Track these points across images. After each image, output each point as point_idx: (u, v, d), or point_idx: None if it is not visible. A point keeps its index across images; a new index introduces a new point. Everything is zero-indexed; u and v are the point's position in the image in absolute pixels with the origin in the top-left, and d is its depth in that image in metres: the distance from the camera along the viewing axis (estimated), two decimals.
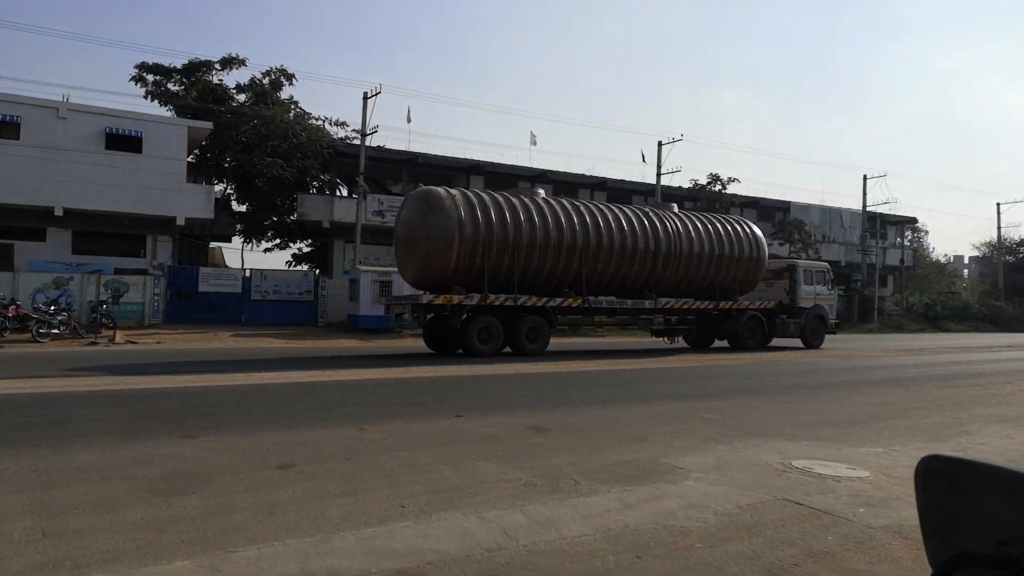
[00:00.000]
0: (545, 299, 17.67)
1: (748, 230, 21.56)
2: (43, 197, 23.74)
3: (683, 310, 20.20)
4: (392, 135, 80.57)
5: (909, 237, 56.78)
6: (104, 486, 5.29)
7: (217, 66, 30.96)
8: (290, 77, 32.35)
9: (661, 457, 6.49)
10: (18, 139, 23.52)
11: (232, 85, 31.56)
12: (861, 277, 44.21)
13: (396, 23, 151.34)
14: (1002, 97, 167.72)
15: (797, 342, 22.52)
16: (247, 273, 27.88)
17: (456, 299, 16.58)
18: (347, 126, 34.04)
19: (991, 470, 0.68)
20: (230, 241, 35.61)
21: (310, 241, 36.31)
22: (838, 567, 3.92)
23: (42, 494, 5.05)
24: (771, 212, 43.81)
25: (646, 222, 19.23)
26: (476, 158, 34.85)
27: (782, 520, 4.74)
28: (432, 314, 17.53)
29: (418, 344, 21.47)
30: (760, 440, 7.35)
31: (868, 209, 44.48)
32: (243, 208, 32.75)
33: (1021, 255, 54.86)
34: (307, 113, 33.19)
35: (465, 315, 16.94)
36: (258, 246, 35.59)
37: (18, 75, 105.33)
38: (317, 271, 33.37)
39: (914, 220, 52.49)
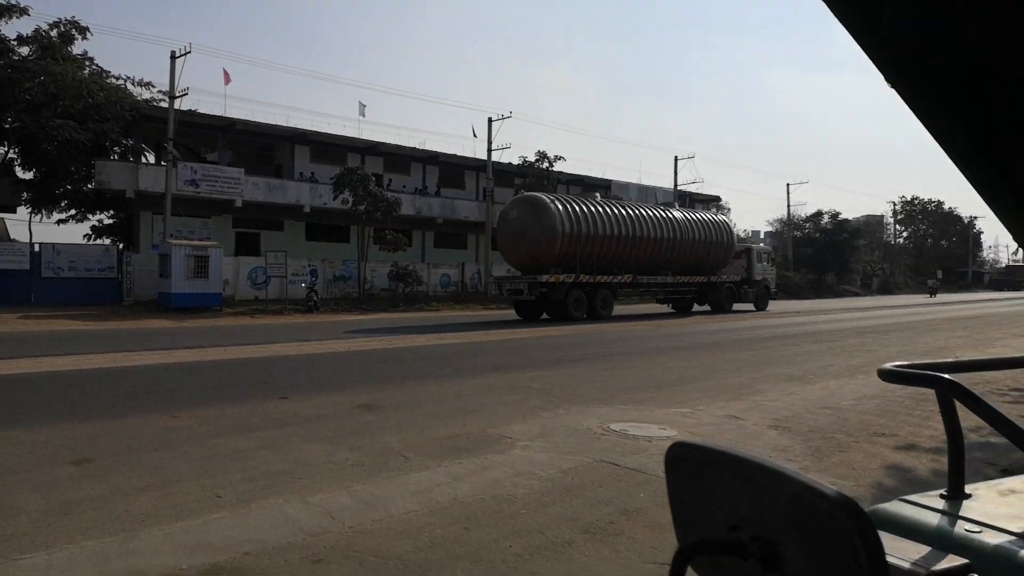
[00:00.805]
0: (610, 277, 23.82)
1: (723, 221, 28.96)
2: None
3: (688, 283, 26.75)
4: (207, 99, 74.49)
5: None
6: None
7: None
8: (84, 31, 28.79)
9: (490, 428, 6.65)
10: None
11: (12, 37, 27.61)
12: None
13: None
14: (790, 87, 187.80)
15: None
16: (36, 248, 24.76)
17: (561, 278, 22.15)
18: (153, 87, 31.03)
19: (723, 456, 0.74)
20: (15, 212, 31.28)
21: (112, 212, 32.83)
22: (648, 522, 4.24)
23: None
24: (594, 189, 45.82)
25: (664, 217, 25.82)
26: (301, 127, 33.23)
27: (600, 481, 5.05)
28: (532, 293, 22.29)
29: (242, 323, 20.28)
30: (582, 406, 7.76)
31: (679, 188, 48.10)
32: (30, 175, 28.89)
33: (807, 230, 61.93)
34: (105, 71, 29.83)
35: (565, 290, 22.38)
36: (49, 218, 31.58)
37: None
38: (121, 245, 30.33)
39: (718, 199, 57.43)
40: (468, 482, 4.98)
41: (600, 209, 23.64)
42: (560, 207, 22.25)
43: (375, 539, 3.94)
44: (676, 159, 48.09)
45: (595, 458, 5.62)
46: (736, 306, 29.09)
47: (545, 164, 36.45)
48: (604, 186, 44.88)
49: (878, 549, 0.60)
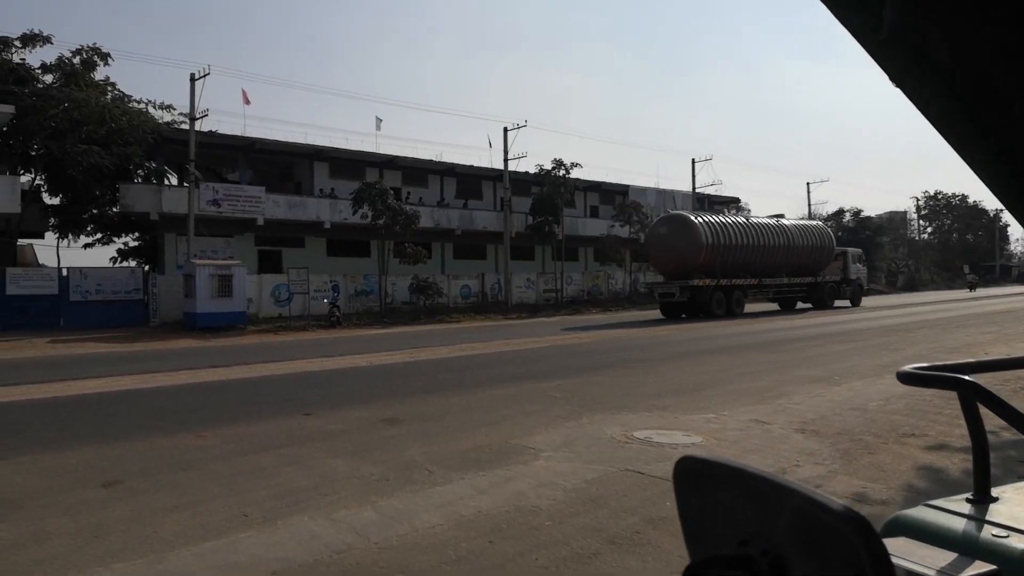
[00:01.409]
0: (742, 280, 28.08)
1: (824, 228, 34.21)
2: None
3: (799, 284, 31.09)
4: (226, 119, 75.61)
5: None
6: None
7: (17, 43, 27.52)
8: (105, 56, 29.36)
9: (513, 439, 6.63)
10: None
11: (36, 65, 28.27)
12: None
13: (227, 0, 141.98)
14: (808, 83, 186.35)
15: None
16: (64, 272, 25.24)
17: (707, 282, 26.64)
18: (174, 109, 31.52)
19: (729, 470, 0.73)
20: (42, 237, 31.97)
21: (137, 235, 33.42)
22: (675, 531, 4.16)
23: None
24: (612, 195, 45.90)
25: (779, 226, 30.51)
26: (319, 144, 33.58)
27: (625, 490, 5.01)
28: (683, 296, 26.68)
29: (266, 340, 20.47)
30: (605, 414, 7.71)
31: (697, 191, 47.81)
32: (56, 200, 29.50)
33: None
34: (127, 96, 30.40)
35: (709, 292, 26.70)
36: (76, 242, 32.23)
37: None
38: (146, 267, 30.82)
39: (737, 200, 57.02)
40: (492, 494, 4.97)
41: (732, 221, 29.12)
42: (702, 221, 27.24)
43: (401, 555, 3.95)
44: (693, 162, 47.89)
45: (620, 467, 5.59)
46: (837, 303, 32.90)
47: (562, 172, 36.44)
48: (622, 192, 44.80)
49: (886, 564, 0.59)
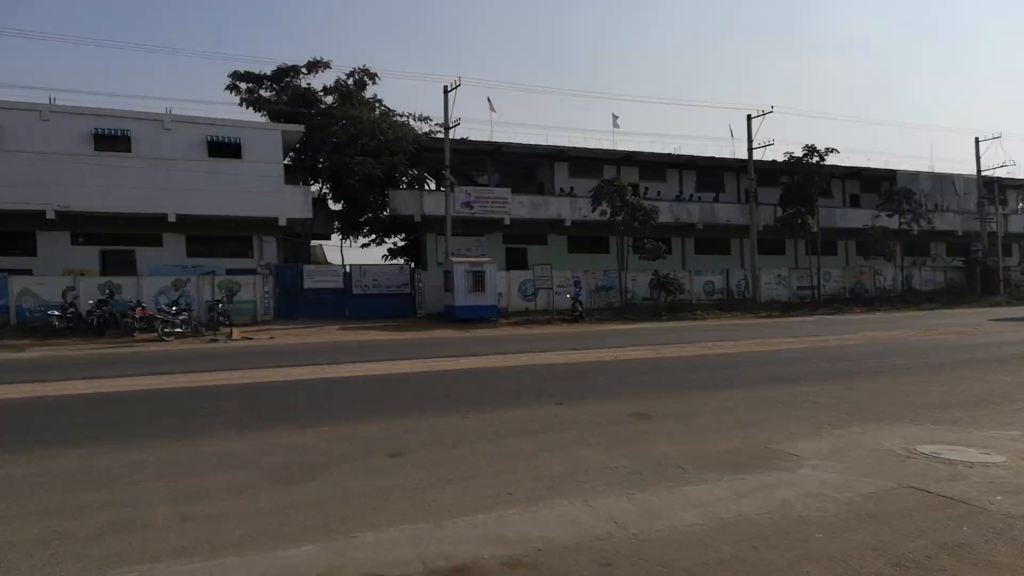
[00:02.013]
0: None
1: None
2: (157, 205, 25.34)
3: None
4: (475, 126, 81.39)
5: None
6: (232, 474, 5.64)
7: (304, 70, 32.11)
8: (373, 76, 33.09)
9: (773, 443, 6.28)
10: (130, 151, 25.25)
11: (319, 88, 32.73)
12: (982, 246, 41.10)
13: (467, 15, 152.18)
14: None
15: None
16: (347, 269, 28.92)
17: None
18: (430, 120, 34.60)
19: None
20: (329, 239, 37.08)
21: (403, 235, 37.24)
22: (976, 560, 3.67)
23: (177, 482, 5.42)
24: (875, 182, 41.34)
25: None
26: (559, 144, 34.61)
27: (910, 509, 4.49)
28: None
29: (516, 332, 21.67)
30: (879, 424, 6.98)
31: (984, 174, 41.22)
32: (339, 206, 33.94)
33: None
34: (391, 110, 33.96)
35: None
36: (355, 242, 36.90)
37: (123, 91, 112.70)
38: (412, 264, 34.14)
39: None
40: (753, 499, 4.75)
41: None
42: None
43: (660, 549, 3.93)
44: (977, 141, 41.41)
45: (902, 483, 5.02)
46: None
47: (815, 159, 33.60)
48: (888, 177, 40.20)
49: None
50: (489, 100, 33.89)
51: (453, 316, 25.11)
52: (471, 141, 32.59)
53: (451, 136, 29.17)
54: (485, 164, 35.40)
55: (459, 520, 4.44)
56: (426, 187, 34.87)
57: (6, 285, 22.02)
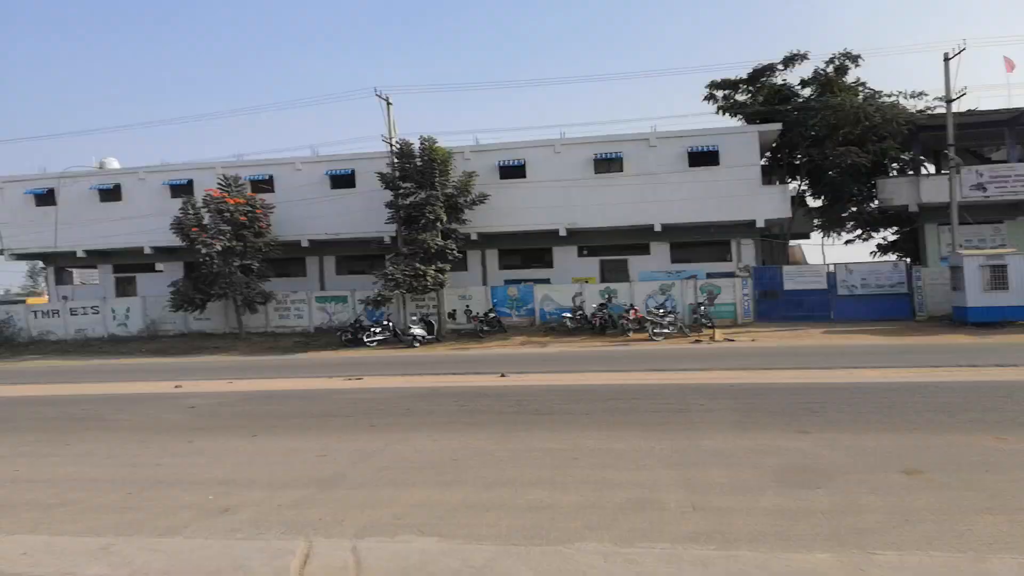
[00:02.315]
0: None
1: None
2: (644, 216, 27.96)
3: None
4: (985, 94, 67.44)
5: None
6: (733, 471, 5.86)
7: (780, 66, 31.23)
8: (855, 59, 30.34)
9: None
10: (621, 170, 28.40)
11: (796, 82, 31.45)
12: None
13: None
14: None
15: None
16: (830, 268, 27.24)
17: None
18: (925, 95, 30.07)
19: None
20: (808, 237, 35.39)
21: (895, 228, 33.27)
22: None
23: (684, 472, 5.88)
24: None
25: None
26: None
27: None
28: None
29: None
30: None
31: None
32: (818, 203, 32.14)
33: None
34: (877, 92, 30.61)
35: None
36: (838, 239, 34.42)
37: (617, 117, 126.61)
38: (907, 260, 30.34)
39: None
40: None
41: None
42: None
43: None
44: None
45: None
46: None
47: None
48: None
49: None
50: (1006, 59, 27.51)
51: (964, 318, 21.40)
52: (980, 112, 27.30)
53: (954, 110, 25.00)
54: (1001, 136, 29.31)
55: (1006, 556, 3.79)
56: (923, 171, 30.55)
57: (532, 293, 27.15)
